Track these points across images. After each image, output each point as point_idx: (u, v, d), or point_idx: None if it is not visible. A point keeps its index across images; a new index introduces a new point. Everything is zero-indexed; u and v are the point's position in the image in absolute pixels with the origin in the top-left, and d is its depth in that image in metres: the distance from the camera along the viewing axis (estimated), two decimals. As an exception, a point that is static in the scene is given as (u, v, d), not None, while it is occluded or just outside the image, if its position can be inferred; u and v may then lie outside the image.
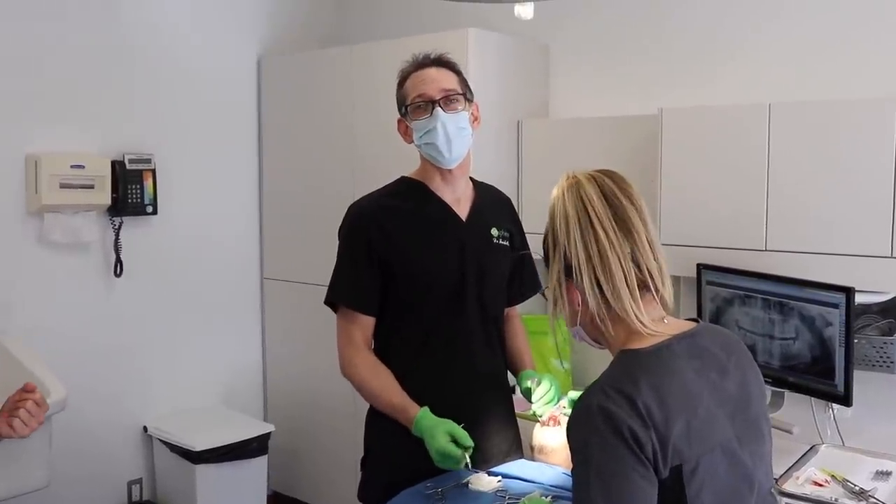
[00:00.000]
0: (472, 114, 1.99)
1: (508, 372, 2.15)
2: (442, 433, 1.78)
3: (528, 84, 3.33)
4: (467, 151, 1.99)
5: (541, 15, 2.59)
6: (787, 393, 2.48)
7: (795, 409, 2.52)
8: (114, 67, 3.30)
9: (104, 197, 3.19)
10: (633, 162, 2.79)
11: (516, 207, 3.14)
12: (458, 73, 1.99)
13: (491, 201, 2.11)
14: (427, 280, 1.95)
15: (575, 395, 1.89)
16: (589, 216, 1.26)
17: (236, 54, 3.74)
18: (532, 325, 3.22)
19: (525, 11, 2.41)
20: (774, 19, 2.83)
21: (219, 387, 3.75)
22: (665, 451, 1.15)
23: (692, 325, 1.32)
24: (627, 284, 1.24)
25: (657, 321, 1.28)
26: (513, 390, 2.19)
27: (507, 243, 2.07)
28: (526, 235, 2.19)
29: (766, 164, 2.52)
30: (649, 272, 1.27)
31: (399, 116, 2.01)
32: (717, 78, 2.95)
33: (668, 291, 1.30)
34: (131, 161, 3.27)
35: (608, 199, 1.28)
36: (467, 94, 1.98)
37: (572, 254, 1.26)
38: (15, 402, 1.72)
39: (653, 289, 1.28)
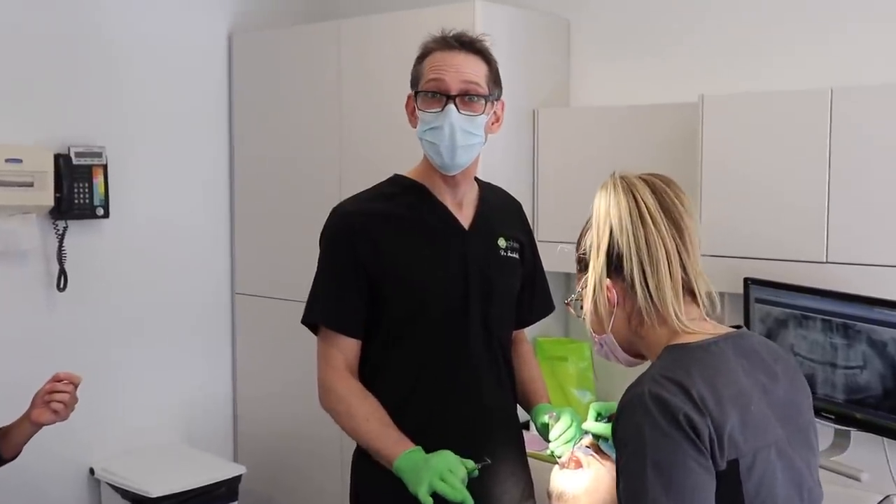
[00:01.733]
0: (494, 114, 1.98)
1: (518, 406, 2.14)
2: (431, 477, 1.76)
3: (545, 67, 3.32)
4: (473, 160, 1.98)
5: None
6: (853, 432, 2.47)
7: (864, 452, 2.50)
8: (57, 46, 3.28)
9: (46, 197, 3.16)
10: (669, 158, 2.78)
11: (531, 212, 3.16)
12: (489, 63, 1.96)
13: (498, 206, 2.11)
14: (423, 298, 1.95)
15: (592, 426, 1.86)
16: (640, 211, 1.40)
17: (203, 29, 3.72)
18: (549, 349, 3.22)
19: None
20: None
21: (180, 421, 3.72)
22: (721, 442, 1.26)
23: (734, 329, 1.46)
24: (672, 281, 1.39)
25: (697, 320, 1.42)
26: (524, 426, 2.19)
27: (516, 255, 2.07)
28: (541, 246, 2.17)
29: (826, 160, 2.50)
30: (694, 274, 1.42)
31: (410, 92, 1.99)
32: (768, 59, 2.93)
33: (705, 299, 1.45)
34: (78, 155, 3.25)
35: (658, 195, 1.42)
36: (493, 93, 1.96)
37: (623, 243, 1.40)
38: (48, 391, 2.18)
39: (696, 292, 1.43)
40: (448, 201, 2.00)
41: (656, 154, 2.85)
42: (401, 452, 1.84)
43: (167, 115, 3.60)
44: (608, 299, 1.44)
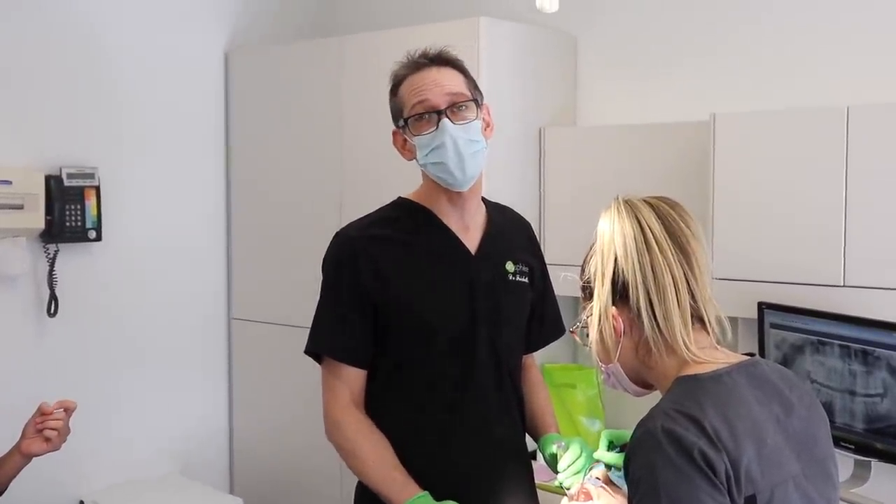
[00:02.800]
0: (483, 120, 1.98)
1: (527, 435, 2.12)
2: None
3: (551, 84, 3.33)
4: (481, 172, 1.99)
5: (568, 1, 2.58)
6: (874, 463, 2.45)
7: (886, 484, 2.49)
8: (49, 64, 3.29)
9: (36, 219, 3.17)
10: (680, 178, 2.78)
11: (537, 233, 3.14)
12: (463, 71, 1.98)
13: (506, 228, 2.11)
14: (429, 326, 1.94)
15: (604, 455, 1.86)
16: (645, 237, 1.40)
17: (199, 47, 3.73)
18: (557, 375, 3.20)
19: (549, 3, 2.37)
20: (851, 6, 2.82)
21: (174, 451, 3.71)
22: (738, 477, 1.26)
23: (747, 357, 1.46)
24: (680, 309, 1.39)
25: (708, 348, 1.42)
26: (533, 457, 2.17)
27: (525, 280, 2.07)
28: (548, 268, 2.16)
29: (843, 180, 2.50)
30: (703, 301, 1.42)
31: (395, 128, 2.00)
32: (782, 76, 2.94)
33: (715, 326, 1.45)
34: (70, 176, 3.26)
35: (664, 220, 1.42)
36: (477, 98, 1.97)
37: (629, 271, 1.40)
38: (39, 422, 2.17)
39: (705, 319, 1.43)
40: (454, 225, 2.00)
41: (667, 174, 2.85)
42: (407, 498, 1.83)
43: (162, 134, 3.61)
44: (614, 328, 1.44)
